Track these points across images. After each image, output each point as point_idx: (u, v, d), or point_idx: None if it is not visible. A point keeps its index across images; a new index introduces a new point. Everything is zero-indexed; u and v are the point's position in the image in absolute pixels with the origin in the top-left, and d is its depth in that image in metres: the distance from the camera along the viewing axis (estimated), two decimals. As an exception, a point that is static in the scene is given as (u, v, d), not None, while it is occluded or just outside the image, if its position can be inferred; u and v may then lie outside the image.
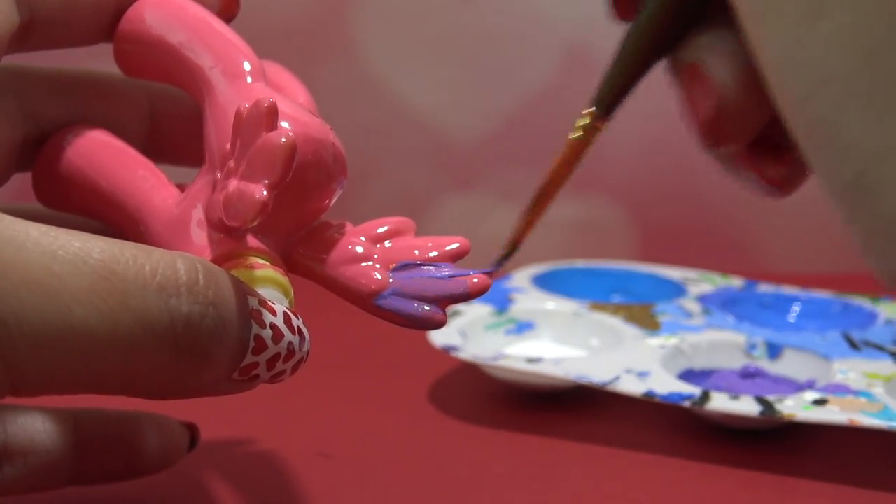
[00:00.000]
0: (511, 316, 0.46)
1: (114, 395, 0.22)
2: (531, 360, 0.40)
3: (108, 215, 0.27)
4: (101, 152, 0.27)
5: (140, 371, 0.21)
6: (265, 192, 0.22)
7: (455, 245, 0.25)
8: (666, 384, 0.38)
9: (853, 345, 0.42)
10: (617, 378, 0.38)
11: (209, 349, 0.21)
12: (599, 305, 0.47)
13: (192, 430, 0.32)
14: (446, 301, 0.24)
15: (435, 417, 0.40)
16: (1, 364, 0.19)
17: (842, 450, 0.38)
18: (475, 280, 0.24)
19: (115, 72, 0.29)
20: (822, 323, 0.47)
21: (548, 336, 0.46)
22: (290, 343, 0.23)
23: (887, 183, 0.16)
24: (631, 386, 0.38)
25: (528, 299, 0.48)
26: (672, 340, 0.43)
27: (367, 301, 0.25)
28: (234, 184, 0.22)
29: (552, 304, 0.48)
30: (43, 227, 0.20)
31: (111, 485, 0.30)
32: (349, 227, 0.26)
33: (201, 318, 0.21)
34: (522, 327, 0.46)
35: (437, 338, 0.42)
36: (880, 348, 0.42)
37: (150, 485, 0.32)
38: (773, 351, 0.43)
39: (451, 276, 0.24)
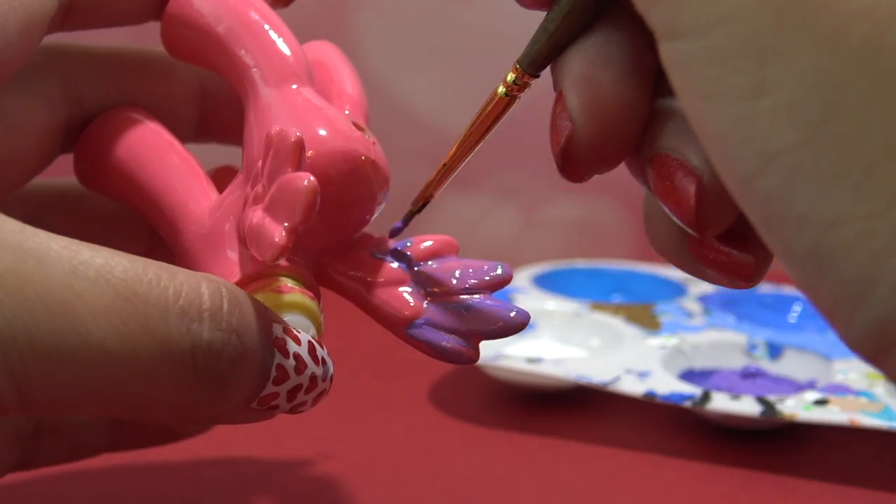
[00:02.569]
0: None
1: (126, 418, 0.21)
2: (531, 361, 0.40)
3: (144, 209, 0.26)
4: (142, 143, 0.26)
5: (156, 397, 0.20)
6: (284, 235, 0.21)
7: (497, 272, 0.24)
8: (666, 384, 0.38)
9: (854, 345, 0.42)
10: (617, 378, 0.38)
11: (229, 378, 0.21)
12: (600, 305, 0.47)
13: None
14: (480, 337, 0.24)
15: (435, 417, 0.40)
16: (10, 380, 0.18)
17: (842, 450, 0.38)
18: (512, 315, 0.23)
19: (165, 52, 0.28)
20: (823, 323, 0.47)
21: (548, 336, 0.46)
22: (312, 374, 0.22)
23: (844, 250, 0.16)
24: (631, 386, 0.38)
25: (529, 299, 0.48)
26: (673, 340, 0.43)
27: (399, 328, 0.24)
28: (258, 216, 0.22)
29: (552, 304, 0.47)
30: (64, 241, 0.19)
31: (115, 479, 0.30)
32: (390, 243, 0.25)
33: (223, 346, 0.20)
34: (523, 327, 0.46)
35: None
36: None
37: (149, 484, 0.32)
38: (774, 351, 0.43)
39: (488, 306, 0.24)
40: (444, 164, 0.23)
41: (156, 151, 0.26)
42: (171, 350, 0.20)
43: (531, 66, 0.22)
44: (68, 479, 0.31)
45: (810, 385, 0.40)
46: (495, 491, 0.34)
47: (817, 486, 0.35)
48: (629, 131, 0.20)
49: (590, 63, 0.20)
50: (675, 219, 0.20)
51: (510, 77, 0.22)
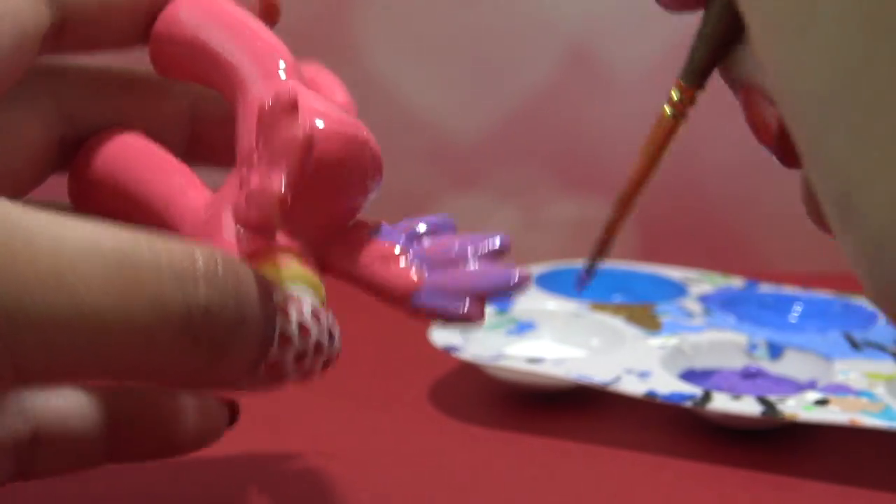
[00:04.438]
0: (512, 316, 0.46)
1: (128, 382, 0.21)
2: (532, 361, 0.40)
3: (143, 223, 0.26)
4: (136, 161, 0.27)
5: (155, 362, 0.20)
6: (283, 185, 0.21)
7: (495, 242, 0.24)
8: (667, 384, 0.38)
9: (854, 345, 0.42)
10: (618, 378, 0.38)
11: (229, 342, 0.21)
12: (600, 305, 0.47)
13: (231, 408, 0.31)
14: (486, 294, 0.23)
15: (435, 417, 0.40)
16: (5, 354, 0.18)
17: (843, 450, 0.38)
18: (512, 273, 0.23)
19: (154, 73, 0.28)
20: (824, 323, 0.47)
21: (548, 336, 0.46)
22: (317, 340, 0.22)
23: (870, 206, 0.16)
24: (632, 386, 0.38)
25: (529, 299, 0.48)
26: (673, 341, 0.42)
27: (403, 300, 0.24)
28: (255, 179, 0.22)
29: (553, 304, 0.47)
30: (52, 214, 0.19)
31: (114, 478, 0.30)
32: (385, 226, 0.26)
33: (220, 309, 0.20)
34: (523, 327, 0.46)
35: (438, 338, 0.42)
36: (881, 348, 0.42)
37: (148, 484, 0.32)
38: (775, 351, 0.43)
39: (489, 268, 0.24)
40: (623, 200, 0.23)
41: (151, 166, 0.27)
42: (167, 314, 0.20)
43: (697, 77, 0.22)
44: (67, 476, 0.31)
45: (811, 385, 0.40)
46: (495, 491, 0.34)
47: (817, 487, 0.35)
48: None
49: None
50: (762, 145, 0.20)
51: (675, 95, 0.22)
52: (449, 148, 0.63)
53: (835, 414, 0.35)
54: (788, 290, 0.50)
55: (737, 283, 0.52)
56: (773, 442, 0.38)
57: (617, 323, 0.45)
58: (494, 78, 0.63)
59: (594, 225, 0.66)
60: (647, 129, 0.23)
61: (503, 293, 0.23)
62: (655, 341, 0.42)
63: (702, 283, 0.52)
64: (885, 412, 0.35)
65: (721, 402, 0.36)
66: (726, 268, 0.56)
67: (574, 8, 0.62)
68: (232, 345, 0.21)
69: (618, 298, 0.52)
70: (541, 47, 0.63)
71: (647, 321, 0.45)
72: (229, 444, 0.35)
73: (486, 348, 0.43)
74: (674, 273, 0.54)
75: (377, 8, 0.62)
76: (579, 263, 0.56)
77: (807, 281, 0.53)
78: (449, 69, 0.63)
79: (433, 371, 0.45)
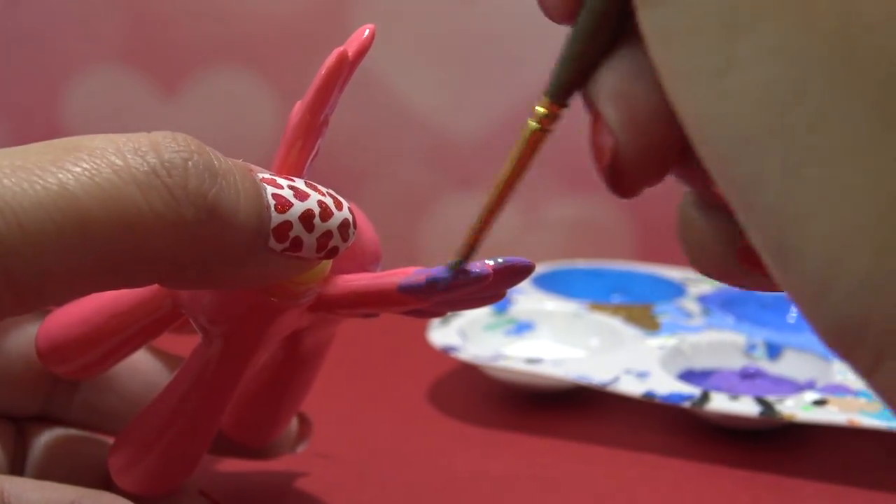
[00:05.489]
0: (511, 316, 0.46)
1: (134, 277, 0.20)
2: (531, 361, 0.40)
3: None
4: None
5: (143, 235, 0.20)
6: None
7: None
8: (666, 385, 0.38)
9: (853, 345, 0.42)
10: (617, 378, 0.38)
11: (212, 195, 0.20)
12: (599, 306, 0.47)
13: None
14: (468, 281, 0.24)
15: (434, 417, 0.40)
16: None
17: (842, 450, 0.38)
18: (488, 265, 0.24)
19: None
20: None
21: (547, 336, 0.46)
22: (319, 200, 0.22)
23: (806, 247, 0.15)
24: (631, 386, 0.38)
25: (528, 299, 0.48)
26: (672, 341, 0.43)
27: (391, 291, 0.24)
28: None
29: (552, 304, 0.47)
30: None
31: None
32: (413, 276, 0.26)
33: (185, 161, 0.20)
34: (522, 327, 0.46)
35: (437, 338, 0.42)
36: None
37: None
38: (773, 351, 0.43)
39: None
40: (487, 209, 0.23)
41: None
42: (132, 175, 0.20)
43: (560, 95, 0.22)
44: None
45: (809, 385, 0.40)
46: (495, 491, 0.34)
47: (817, 486, 0.35)
48: (671, 139, 0.20)
49: (622, 78, 0.20)
50: (596, 168, 0.20)
51: (540, 110, 0.22)
52: (449, 148, 0.63)
53: (833, 414, 0.35)
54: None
55: (736, 283, 0.52)
56: (772, 442, 0.38)
57: (616, 323, 0.45)
58: (494, 78, 0.63)
59: (594, 225, 0.66)
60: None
61: (476, 280, 0.24)
62: (654, 341, 0.42)
63: (700, 283, 0.52)
64: (883, 412, 0.35)
65: (720, 403, 0.36)
66: (725, 268, 0.56)
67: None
68: (218, 200, 0.20)
69: (617, 299, 0.52)
70: (540, 48, 0.63)
71: (646, 321, 0.45)
72: (229, 443, 0.36)
73: (484, 349, 0.43)
74: (672, 273, 0.54)
75: (376, 8, 0.62)
76: (579, 263, 0.57)
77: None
78: (449, 69, 0.63)
79: (433, 371, 0.45)
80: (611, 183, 0.20)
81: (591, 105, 0.20)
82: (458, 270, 0.23)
